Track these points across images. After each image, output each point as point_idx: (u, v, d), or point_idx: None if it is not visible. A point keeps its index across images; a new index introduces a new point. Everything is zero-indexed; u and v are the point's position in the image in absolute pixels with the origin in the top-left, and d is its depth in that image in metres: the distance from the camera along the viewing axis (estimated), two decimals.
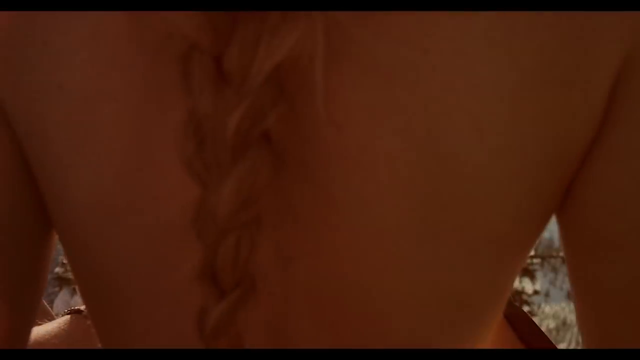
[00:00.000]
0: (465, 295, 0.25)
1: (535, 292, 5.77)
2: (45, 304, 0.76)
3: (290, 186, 0.23)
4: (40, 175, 0.26)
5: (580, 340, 0.29)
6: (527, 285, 5.64)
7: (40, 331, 0.43)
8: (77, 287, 0.32)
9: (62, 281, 7.38)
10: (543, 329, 0.43)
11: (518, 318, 0.47)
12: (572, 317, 7.23)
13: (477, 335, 0.27)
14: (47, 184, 0.26)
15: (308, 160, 0.22)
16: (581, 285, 0.25)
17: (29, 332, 0.30)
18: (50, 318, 0.56)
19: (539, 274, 6.44)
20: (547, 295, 9.58)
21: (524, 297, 5.30)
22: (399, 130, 0.22)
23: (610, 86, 0.22)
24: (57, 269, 6.83)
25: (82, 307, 0.53)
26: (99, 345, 0.47)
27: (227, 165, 0.20)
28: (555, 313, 8.23)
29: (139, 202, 0.24)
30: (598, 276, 0.24)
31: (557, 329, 7.44)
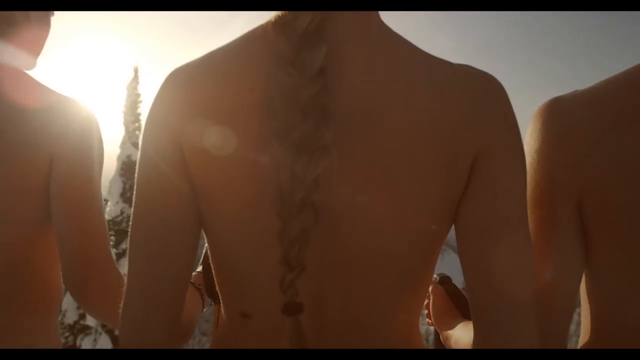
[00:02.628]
0: (410, 263, 0.55)
1: None
2: None
3: (321, 221, 0.49)
4: (203, 201, 0.54)
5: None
6: None
7: None
8: (212, 264, 0.62)
9: None
10: None
11: (454, 292, 0.84)
12: None
13: (413, 285, 0.58)
14: (208, 207, 0.54)
15: (330, 210, 0.50)
16: (464, 266, 0.54)
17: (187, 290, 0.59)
18: None
19: None
20: None
21: None
22: (368, 190, 0.50)
23: (468, 169, 0.52)
24: None
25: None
26: (202, 299, 0.83)
27: (295, 216, 0.47)
28: None
29: (256, 222, 0.52)
30: (470, 258, 0.53)
31: None
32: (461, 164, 0.51)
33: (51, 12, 0.95)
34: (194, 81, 0.53)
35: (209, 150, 0.51)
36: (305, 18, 0.47)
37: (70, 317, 8.14)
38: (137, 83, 13.05)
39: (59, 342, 0.95)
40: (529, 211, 0.58)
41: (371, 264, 0.53)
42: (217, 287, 0.62)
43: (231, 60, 0.52)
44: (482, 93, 0.52)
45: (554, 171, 0.63)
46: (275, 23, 0.49)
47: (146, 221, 0.55)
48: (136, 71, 13.24)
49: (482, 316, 0.52)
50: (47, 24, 0.95)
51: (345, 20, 0.51)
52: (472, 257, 0.52)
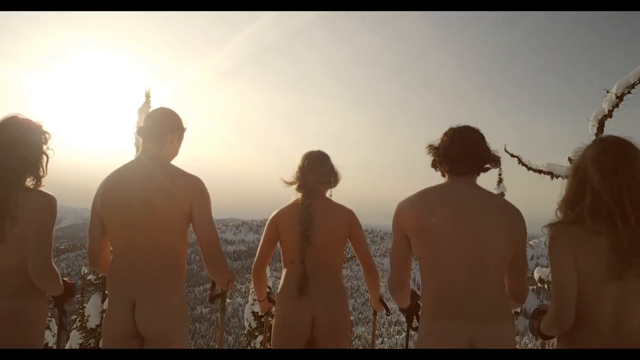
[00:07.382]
0: (335, 253, 2.82)
1: None
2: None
3: (309, 244, 2.72)
4: (281, 239, 2.88)
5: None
6: None
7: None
8: (282, 256, 2.96)
9: (94, 287, 8.00)
10: None
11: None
12: None
13: (336, 258, 2.82)
14: (282, 240, 2.88)
15: (312, 241, 2.74)
16: (358, 257, 2.90)
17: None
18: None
19: None
20: None
21: None
22: (322, 238, 2.76)
23: (347, 235, 2.84)
24: (90, 277, 7.87)
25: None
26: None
27: (305, 241, 2.76)
28: None
29: (295, 243, 2.78)
30: (358, 254, 2.92)
31: None
32: (346, 233, 2.78)
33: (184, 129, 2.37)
34: (285, 210, 2.80)
35: (286, 227, 2.76)
36: (306, 202, 2.72)
37: (93, 321, 8.35)
38: (149, 107, 13.44)
39: (185, 305, 2.24)
40: (393, 240, 2.10)
41: (322, 252, 2.70)
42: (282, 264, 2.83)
43: (291, 208, 2.79)
44: (348, 215, 2.80)
45: (399, 226, 2.07)
46: (299, 202, 2.74)
47: (265, 243, 2.84)
48: (148, 96, 13.62)
49: (364, 270, 2.85)
50: (182, 137, 2.37)
51: (317, 199, 2.75)
52: (359, 254, 2.82)
